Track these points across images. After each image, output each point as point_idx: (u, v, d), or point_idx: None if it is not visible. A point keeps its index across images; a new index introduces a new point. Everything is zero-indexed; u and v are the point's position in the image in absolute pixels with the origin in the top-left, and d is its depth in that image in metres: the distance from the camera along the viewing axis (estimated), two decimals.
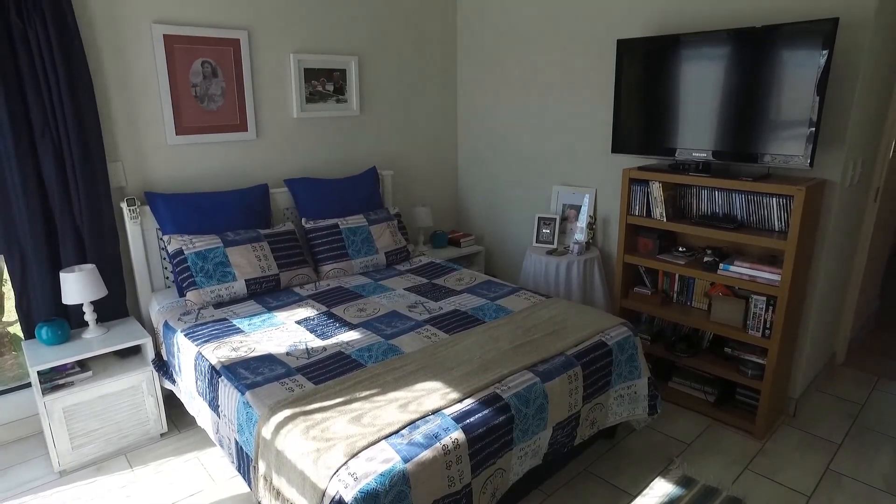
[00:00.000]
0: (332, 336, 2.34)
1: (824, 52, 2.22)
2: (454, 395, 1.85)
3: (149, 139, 2.82)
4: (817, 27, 2.22)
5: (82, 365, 2.51)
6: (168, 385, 2.57)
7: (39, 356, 2.36)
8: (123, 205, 2.69)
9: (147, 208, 2.77)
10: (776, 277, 2.47)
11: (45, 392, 2.33)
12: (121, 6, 2.63)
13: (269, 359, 2.14)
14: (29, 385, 2.69)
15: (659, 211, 2.80)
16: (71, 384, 2.39)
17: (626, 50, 2.85)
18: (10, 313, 2.79)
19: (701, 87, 2.61)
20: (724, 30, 2.48)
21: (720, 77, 2.54)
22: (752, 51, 2.42)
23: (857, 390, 3.03)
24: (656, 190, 2.78)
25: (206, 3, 2.88)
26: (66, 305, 2.61)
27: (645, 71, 2.80)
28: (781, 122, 2.39)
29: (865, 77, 2.41)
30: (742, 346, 2.71)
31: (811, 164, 2.34)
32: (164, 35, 2.75)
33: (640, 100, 2.86)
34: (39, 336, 2.44)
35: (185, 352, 2.33)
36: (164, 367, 2.59)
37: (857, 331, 3.51)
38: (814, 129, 2.30)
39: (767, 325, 2.54)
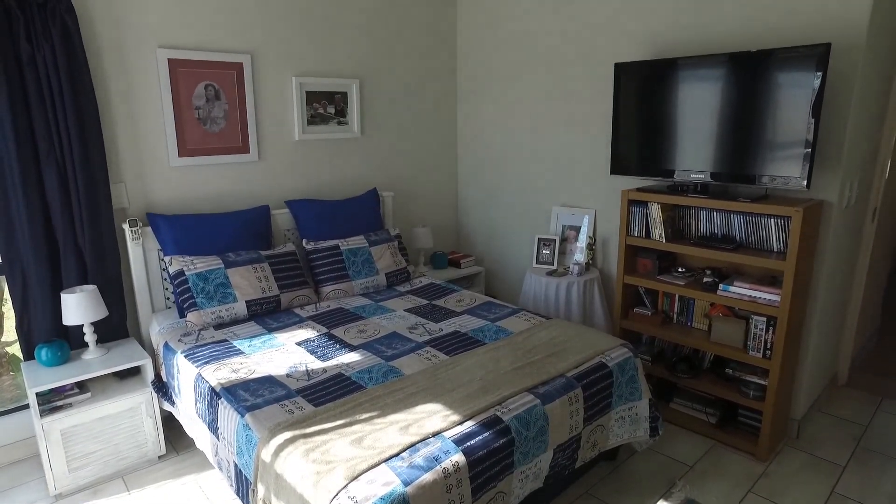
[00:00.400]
0: (332, 358, 2.33)
1: (818, 75, 2.25)
2: (455, 418, 1.84)
3: (152, 161, 2.85)
4: (810, 52, 2.26)
5: (81, 386, 2.50)
6: (167, 406, 2.56)
7: (38, 378, 2.36)
8: (125, 226, 2.70)
9: (149, 229, 2.78)
10: (776, 298, 2.47)
11: (42, 414, 2.31)
12: (127, 31, 2.68)
13: (269, 380, 2.14)
14: (27, 407, 2.68)
15: (658, 232, 2.81)
16: (69, 406, 2.38)
17: (624, 73, 2.89)
18: (9, 333, 2.78)
19: (698, 110, 2.65)
20: (720, 54, 2.52)
21: (717, 100, 2.57)
22: (748, 74, 2.45)
23: (860, 411, 3.02)
24: (655, 211, 2.80)
25: (211, 28, 2.94)
26: (66, 326, 2.61)
27: (642, 93, 2.84)
28: (778, 144, 2.42)
29: (859, 99, 2.44)
30: (743, 366, 2.70)
31: (808, 186, 2.36)
32: (168, 59, 2.80)
33: (638, 122, 2.89)
34: (39, 357, 2.44)
35: (185, 373, 2.32)
36: (163, 389, 2.58)
37: (858, 350, 3.50)
38: (810, 150, 2.32)
39: (768, 346, 2.53)
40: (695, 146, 2.69)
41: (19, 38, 2.31)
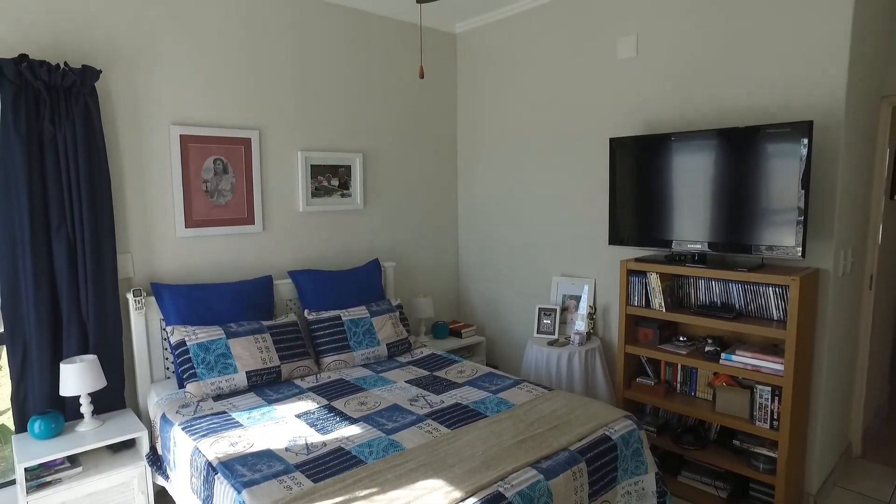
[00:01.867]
0: (332, 431, 2.29)
1: (804, 146, 2.35)
2: (456, 494, 1.79)
3: (159, 232, 2.92)
4: (795, 128, 2.37)
5: (73, 460, 2.43)
6: (161, 481, 2.48)
7: (29, 451, 2.30)
8: (129, 295, 2.73)
9: (152, 299, 2.80)
10: (779, 367, 2.45)
11: (29, 491, 2.24)
12: (143, 109, 2.82)
13: (267, 454, 2.09)
14: (13, 482, 2.59)
15: (658, 301, 2.83)
16: (59, 481, 2.31)
17: (619, 147, 3.01)
18: (1, 401, 2.73)
19: (692, 182, 2.73)
20: (711, 129, 2.63)
21: (710, 172, 2.66)
22: (738, 149, 2.55)
23: (879, 486, 2.91)
24: (654, 281, 2.83)
25: (222, 105, 3.09)
26: (63, 396, 2.57)
27: (638, 167, 2.94)
28: (771, 214, 2.48)
29: (845, 171, 2.53)
30: (751, 437, 2.64)
31: (803, 255, 2.40)
32: (180, 135, 2.92)
33: (634, 194, 2.97)
34: (32, 430, 2.39)
35: (182, 446, 2.27)
36: (158, 462, 2.51)
37: (870, 420, 3.42)
38: (802, 219, 2.38)
39: (775, 416, 2.49)
40: (691, 217, 2.75)
41: (44, 120, 2.43)
